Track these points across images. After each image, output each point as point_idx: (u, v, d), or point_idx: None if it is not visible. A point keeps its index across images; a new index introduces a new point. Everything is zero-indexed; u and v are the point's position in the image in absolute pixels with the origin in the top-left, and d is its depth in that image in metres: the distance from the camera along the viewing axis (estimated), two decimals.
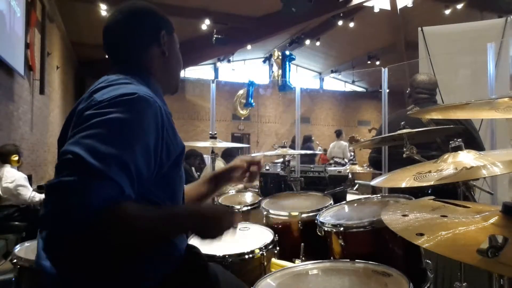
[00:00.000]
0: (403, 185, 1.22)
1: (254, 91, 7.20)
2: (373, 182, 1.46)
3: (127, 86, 0.94)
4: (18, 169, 4.18)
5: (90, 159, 0.76)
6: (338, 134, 8.88)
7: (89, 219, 0.73)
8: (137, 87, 0.94)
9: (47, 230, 0.73)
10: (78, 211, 0.72)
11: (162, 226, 0.85)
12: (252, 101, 6.99)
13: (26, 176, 4.16)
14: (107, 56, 1.11)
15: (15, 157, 4.03)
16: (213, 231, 0.92)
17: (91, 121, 0.83)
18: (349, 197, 3.01)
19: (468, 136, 2.24)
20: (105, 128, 0.82)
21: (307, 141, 7.95)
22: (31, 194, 4.05)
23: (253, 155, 1.60)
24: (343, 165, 7.23)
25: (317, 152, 8.00)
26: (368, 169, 3.56)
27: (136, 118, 0.86)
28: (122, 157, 0.81)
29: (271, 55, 14.08)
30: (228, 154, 4.59)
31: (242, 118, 9.70)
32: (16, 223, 4.00)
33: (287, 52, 7.17)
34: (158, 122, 0.90)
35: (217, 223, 0.93)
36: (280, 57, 7.87)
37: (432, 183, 1.15)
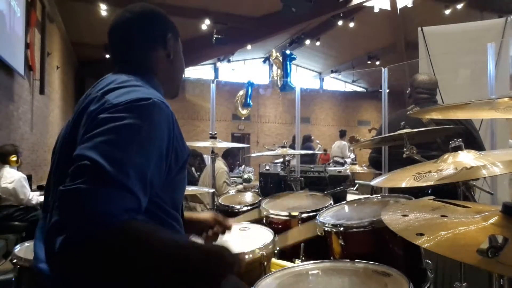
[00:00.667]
0: (403, 185, 1.22)
1: (254, 91, 7.21)
2: (373, 182, 1.46)
3: (140, 89, 0.93)
4: (18, 169, 4.18)
5: (108, 167, 0.75)
6: (341, 135, 8.92)
7: (107, 230, 0.71)
8: (150, 91, 0.94)
9: (63, 236, 0.70)
10: (98, 220, 0.71)
11: (171, 254, 0.79)
12: (250, 102, 7.00)
13: (25, 177, 4.16)
14: (108, 56, 1.11)
15: (13, 158, 4.03)
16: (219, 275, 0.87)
17: (107, 125, 0.82)
18: (349, 197, 3.02)
19: (469, 136, 2.24)
20: (122, 135, 0.81)
21: (306, 141, 7.95)
22: (28, 195, 4.04)
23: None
24: (342, 164, 7.25)
25: (316, 152, 8.00)
26: (366, 168, 3.56)
27: (151, 124, 0.85)
28: (139, 166, 0.80)
29: (271, 55, 14.11)
30: (228, 154, 4.59)
31: (243, 118, 9.71)
32: (16, 223, 4.00)
33: (288, 52, 7.17)
34: (170, 128, 0.90)
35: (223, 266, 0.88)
36: (280, 58, 7.86)
37: (432, 183, 1.15)
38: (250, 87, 8.31)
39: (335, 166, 6.60)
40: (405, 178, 1.24)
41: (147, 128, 0.84)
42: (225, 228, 1.34)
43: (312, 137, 8.99)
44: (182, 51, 1.19)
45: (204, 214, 1.38)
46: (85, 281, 0.81)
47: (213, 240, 1.32)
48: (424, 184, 1.18)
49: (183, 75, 1.23)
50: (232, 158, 4.60)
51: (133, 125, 0.83)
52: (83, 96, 1.00)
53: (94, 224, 0.71)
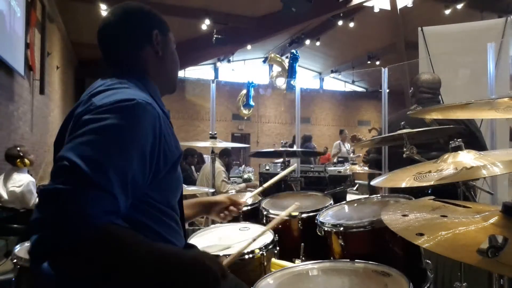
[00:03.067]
0: (403, 185, 1.22)
1: (254, 91, 7.19)
2: (373, 182, 1.46)
3: (125, 91, 0.93)
4: (29, 171, 4.16)
5: (85, 168, 0.75)
6: (339, 133, 8.94)
7: (83, 230, 0.71)
8: (135, 92, 0.93)
9: (37, 234, 0.71)
10: (73, 221, 0.70)
11: (150, 261, 0.78)
12: (251, 102, 6.97)
13: (34, 181, 4.11)
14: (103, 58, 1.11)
15: (19, 162, 4.02)
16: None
17: (88, 126, 0.82)
18: (349, 197, 3.01)
19: (471, 137, 2.24)
20: (103, 135, 0.81)
21: (306, 141, 7.95)
22: (34, 201, 4.01)
23: (245, 197, 1.88)
24: (335, 163, 7.27)
25: (316, 150, 8.00)
26: (367, 169, 3.56)
27: (134, 125, 0.85)
28: (119, 166, 0.79)
29: None
30: (224, 153, 4.60)
31: (245, 118, 9.69)
32: (15, 225, 3.98)
33: (296, 53, 7.12)
34: (156, 128, 0.89)
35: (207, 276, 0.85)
36: (277, 57, 7.82)
37: (432, 183, 1.15)
38: (250, 87, 8.29)
39: (334, 166, 6.61)
40: (405, 178, 1.25)
41: (128, 128, 0.84)
42: (239, 206, 1.55)
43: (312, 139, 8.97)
44: (174, 46, 1.17)
45: (219, 196, 1.60)
46: (82, 282, 0.82)
47: (228, 219, 1.54)
48: (424, 184, 1.18)
49: (178, 71, 1.22)
50: (228, 157, 4.61)
51: (114, 126, 0.82)
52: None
53: (68, 225, 0.70)
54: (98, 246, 0.72)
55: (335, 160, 8.01)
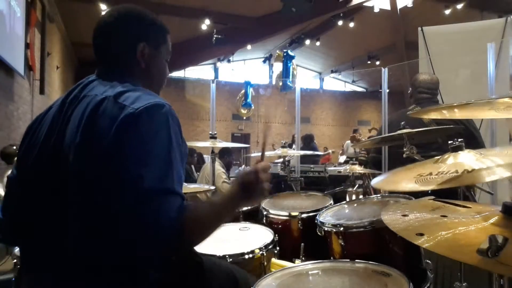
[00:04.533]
0: (404, 188, 1.22)
1: (255, 91, 7.18)
2: (373, 182, 1.46)
3: (148, 94, 0.98)
4: None
5: (157, 180, 0.87)
6: (352, 133, 8.93)
7: (172, 231, 0.85)
8: (154, 95, 1.00)
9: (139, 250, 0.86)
10: (162, 227, 0.84)
11: (220, 216, 0.99)
12: (250, 101, 6.95)
13: None
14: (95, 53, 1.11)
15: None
16: (252, 199, 1.09)
17: (140, 142, 0.89)
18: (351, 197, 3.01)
19: (470, 136, 2.24)
20: (159, 148, 0.90)
21: (310, 141, 7.92)
22: None
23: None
24: (341, 163, 7.25)
25: (321, 153, 7.97)
26: (366, 168, 3.56)
27: (174, 132, 0.94)
28: (177, 172, 0.92)
29: (271, 55, 14.04)
30: (224, 153, 4.59)
31: (244, 118, 9.70)
32: None
33: (290, 52, 7.11)
34: (180, 128, 0.98)
35: (251, 193, 1.05)
36: (282, 57, 7.83)
37: (434, 187, 1.14)
38: (248, 87, 8.29)
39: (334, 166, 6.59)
40: (406, 182, 1.24)
41: (175, 135, 0.94)
42: None
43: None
44: (165, 60, 1.15)
45: None
46: (86, 281, 0.88)
47: None
48: (426, 188, 1.18)
49: (163, 82, 1.19)
50: (228, 156, 4.61)
51: (164, 136, 0.92)
52: (73, 98, 1.00)
53: (163, 229, 0.85)
54: (188, 233, 0.88)
55: (342, 160, 7.94)
